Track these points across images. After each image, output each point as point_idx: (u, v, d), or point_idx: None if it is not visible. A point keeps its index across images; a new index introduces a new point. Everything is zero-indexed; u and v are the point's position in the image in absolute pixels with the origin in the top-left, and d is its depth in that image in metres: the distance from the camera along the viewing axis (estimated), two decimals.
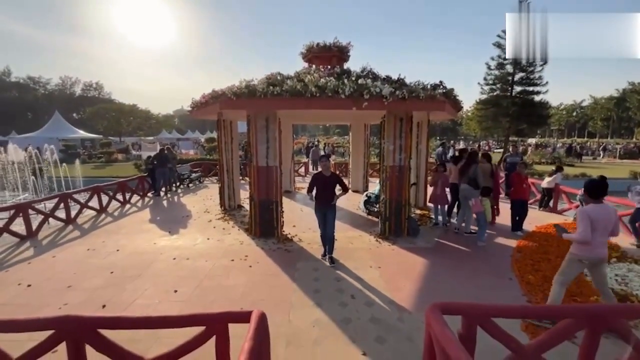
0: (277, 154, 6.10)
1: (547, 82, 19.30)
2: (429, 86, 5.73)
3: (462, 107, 7.42)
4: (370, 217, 7.81)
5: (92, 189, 8.37)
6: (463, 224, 6.63)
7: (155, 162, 10.80)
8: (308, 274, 4.64)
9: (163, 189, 11.08)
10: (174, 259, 5.24)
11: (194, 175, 12.95)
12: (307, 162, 16.77)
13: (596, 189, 3.21)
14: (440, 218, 7.12)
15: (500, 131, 22.17)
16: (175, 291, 4.15)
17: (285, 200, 9.79)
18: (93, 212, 8.25)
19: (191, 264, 5.02)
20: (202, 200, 9.80)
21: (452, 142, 34.81)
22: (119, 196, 9.38)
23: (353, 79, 5.62)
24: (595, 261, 3.23)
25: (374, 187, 8.80)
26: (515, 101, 19.12)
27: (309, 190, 4.99)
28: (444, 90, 5.60)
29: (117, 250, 5.65)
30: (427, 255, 5.36)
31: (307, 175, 15.64)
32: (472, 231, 6.44)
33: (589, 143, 44.31)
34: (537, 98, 19.32)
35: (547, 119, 20.23)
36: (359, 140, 11.01)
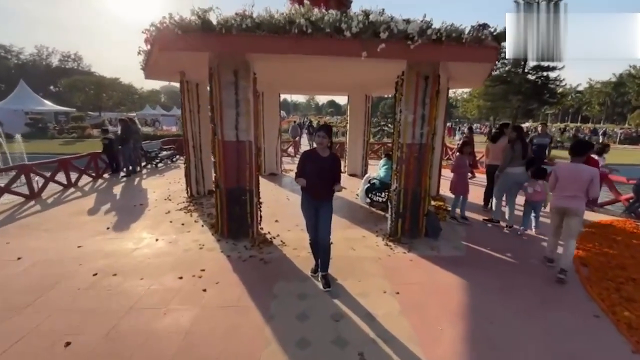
0: (252, 124, 4.36)
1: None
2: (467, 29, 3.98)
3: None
4: (373, 209, 6.22)
5: (17, 168, 6.51)
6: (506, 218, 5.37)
7: (124, 137, 8.96)
8: (291, 306, 3.03)
9: (125, 169, 9.27)
10: (95, 274, 3.56)
11: (164, 153, 11.08)
12: (297, 140, 14.97)
13: (576, 146, 3.77)
14: (458, 211, 5.58)
15: (508, 111, 20.51)
16: (68, 343, 2.50)
17: (269, 185, 8.11)
18: (20, 199, 6.44)
19: (116, 285, 3.36)
20: (168, 184, 8.04)
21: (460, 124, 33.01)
22: (62, 178, 7.55)
23: (360, 18, 3.82)
24: (560, 210, 3.74)
25: (374, 171, 7.18)
26: (527, 77, 17.38)
27: (298, 176, 3.29)
28: (494, 33, 3.85)
29: (19, 258, 3.93)
30: (460, 269, 3.80)
31: (297, 156, 13.87)
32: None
33: (582, 127, 43.35)
34: (552, 74, 17.63)
35: (562, 98, 18.60)
36: (358, 115, 9.25)
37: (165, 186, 7.82)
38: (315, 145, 3.33)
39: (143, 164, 10.51)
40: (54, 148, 19.52)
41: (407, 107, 4.35)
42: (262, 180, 8.81)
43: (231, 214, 4.53)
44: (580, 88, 62.76)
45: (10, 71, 60.25)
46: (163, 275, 3.57)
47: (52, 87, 65.40)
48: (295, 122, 20.62)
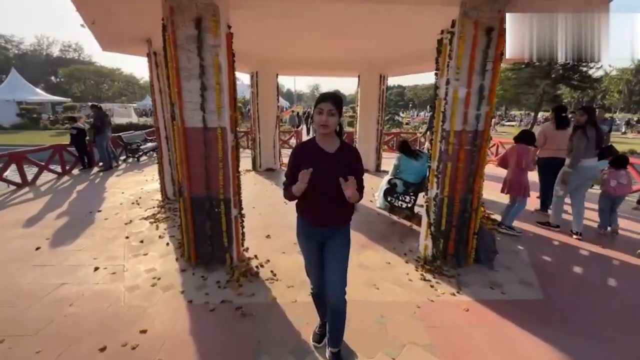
0: (228, 104, 2.96)
1: None
2: None
3: None
4: (395, 217, 4.82)
5: None
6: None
7: (99, 125, 7.70)
8: None
9: (102, 163, 7.98)
10: None
11: (148, 145, 9.73)
12: (300, 130, 13.50)
13: None
14: (510, 222, 4.29)
15: (532, 97, 18.70)
16: None
17: (264, 183, 6.69)
18: None
19: None
20: (143, 183, 6.70)
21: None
22: (13, 176, 6.27)
23: None
24: None
25: (387, 165, 5.71)
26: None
27: (287, 184, 1.88)
28: None
29: None
30: (551, 331, 2.40)
31: None
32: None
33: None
34: None
35: (594, 82, 16.73)
36: (371, 99, 7.76)
37: (139, 185, 6.49)
38: (313, 132, 1.90)
39: (122, 157, 9.23)
40: (42, 139, 18.34)
41: (459, 76, 2.90)
42: (257, 178, 7.52)
43: (199, 234, 3.17)
44: (594, 76, 59.71)
45: (10, 62, 59.24)
46: (77, 342, 2.24)
47: (52, 78, 64.51)
48: (293, 111, 19.08)
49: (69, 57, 68.51)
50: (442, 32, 3.07)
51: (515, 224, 4.29)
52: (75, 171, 7.77)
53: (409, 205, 4.80)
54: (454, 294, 2.86)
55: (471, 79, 2.90)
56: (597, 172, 4.21)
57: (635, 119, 34.28)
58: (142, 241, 3.86)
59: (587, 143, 3.91)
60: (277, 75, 7.74)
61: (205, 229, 3.14)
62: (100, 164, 8.06)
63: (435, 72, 3.20)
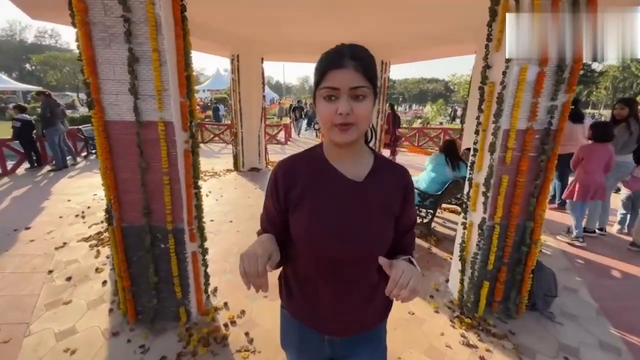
0: (174, 84, 1.90)
1: None
2: None
3: None
4: None
5: None
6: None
7: (48, 116, 6.44)
8: None
9: (55, 161, 6.75)
10: None
11: None
12: (290, 123, 12.39)
13: None
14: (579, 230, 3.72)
15: None
16: None
17: (246, 187, 5.51)
18: None
19: None
20: (99, 187, 5.50)
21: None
22: None
23: None
24: None
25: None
26: None
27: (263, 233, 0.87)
28: None
29: None
30: None
31: (289, 143, 11.36)
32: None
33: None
34: None
35: (599, 76, 16.05)
36: None
37: (93, 189, 5.34)
38: (327, 133, 0.86)
39: (84, 154, 8.02)
40: (4, 130, 16.70)
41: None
42: (239, 180, 6.40)
43: (138, 280, 2.13)
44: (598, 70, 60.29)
45: None
46: None
47: (27, 66, 61.16)
48: (280, 103, 17.95)
49: (44, 44, 64.93)
50: None
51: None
52: (21, 171, 6.54)
53: (425, 220, 3.86)
54: None
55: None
56: (630, 168, 3.74)
57: None
58: (69, 278, 2.79)
59: (629, 138, 3.62)
60: (262, 59, 6.63)
61: (144, 276, 2.10)
62: (53, 162, 6.84)
63: (486, 44, 2.21)
